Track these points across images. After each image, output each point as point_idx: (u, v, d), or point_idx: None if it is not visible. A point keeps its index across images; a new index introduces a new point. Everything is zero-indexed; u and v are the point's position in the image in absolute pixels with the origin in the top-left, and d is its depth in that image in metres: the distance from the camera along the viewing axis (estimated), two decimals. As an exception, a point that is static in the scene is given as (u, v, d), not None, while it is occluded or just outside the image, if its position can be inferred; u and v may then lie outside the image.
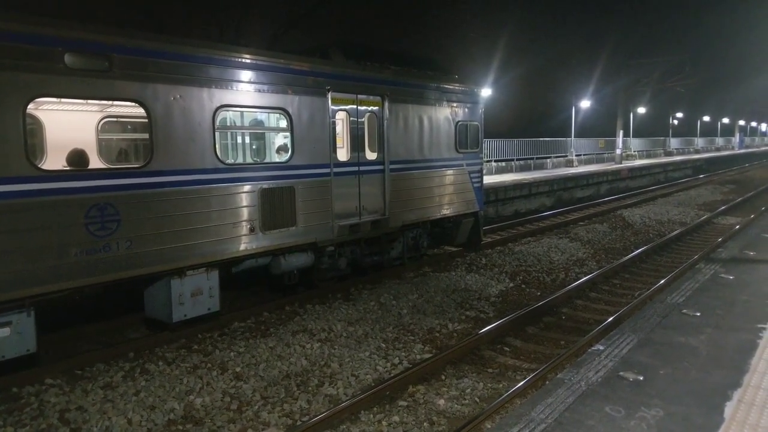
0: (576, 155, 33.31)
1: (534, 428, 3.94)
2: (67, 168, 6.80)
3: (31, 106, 5.92)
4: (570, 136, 34.15)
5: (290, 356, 7.03)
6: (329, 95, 8.88)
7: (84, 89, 6.23)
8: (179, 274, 7.21)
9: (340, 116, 9.50)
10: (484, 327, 7.99)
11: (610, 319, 8.19)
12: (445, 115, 11.38)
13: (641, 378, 4.73)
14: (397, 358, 7.06)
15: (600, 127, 44.52)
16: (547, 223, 17.61)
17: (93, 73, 6.22)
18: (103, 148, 7.93)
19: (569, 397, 4.41)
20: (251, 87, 7.83)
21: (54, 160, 7.13)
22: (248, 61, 7.82)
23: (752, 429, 3.91)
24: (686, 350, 5.34)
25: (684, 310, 6.54)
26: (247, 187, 7.84)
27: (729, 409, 4.20)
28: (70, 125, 7.76)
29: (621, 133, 36.87)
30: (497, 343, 7.73)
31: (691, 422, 4.01)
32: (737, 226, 16.38)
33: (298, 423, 5.48)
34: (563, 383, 4.66)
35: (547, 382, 5.20)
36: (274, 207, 8.16)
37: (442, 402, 5.99)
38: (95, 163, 7.05)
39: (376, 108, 9.86)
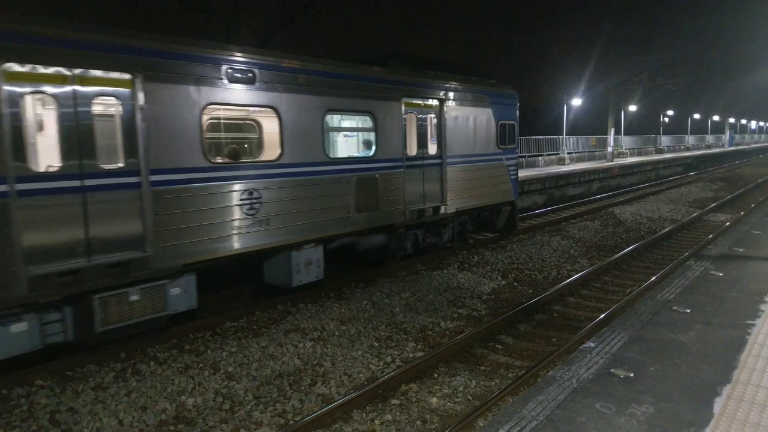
0: (567, 153, 33.45)
1: (525, 425, 3.95)
2: (228, 161, 8.19)
3: (205, 111, 7.29)
4: (562, 134, 34.29)
5: (283, 356, 7.02)
6: (402, 100, 10.42)
7: (238, 97, 7.71)
8: (297, 247, 8.67)
9: (409, 117, 10.88)
10: (477, 325, 8.02)
11: (602, 316, 8.24)
12: (488, 115, 12.91)
13: (632, 375, 4.76)
14: (390, 356, 7.07)
15: (591, 124, 44.77)
16: (539, 220, 17.68)
17: (243, 85, 7.74)
18: (245, 144, 9.37)
19: (560, 394, 4.44)
20: (349, 93, 9.40)
21: (217, 155, 8.35)
22: (347, 72, 9.43)
23: (741, 424, 3.94)
24: (676, 347, 5.38)
25: (674, 307, 6.59)
26: (346, 177, 9.37)
27: (718, 404, 4.23)
28: (226, 126, 9.06)
29: (612, 130, 37.08)
30: (489, 340, 7.75)
31: (680, 418, 4.04)
32: (727, 223, 16.52)
33: (291, 422, 5.48)
34: (555, 380, 4.68)
35: (539, 380, 5.23)
36: (364, 194, 9.68)
37: (434, 400, 6.01)
38: (243, 157, 8.58)
39: (435, 110, 11.34)
